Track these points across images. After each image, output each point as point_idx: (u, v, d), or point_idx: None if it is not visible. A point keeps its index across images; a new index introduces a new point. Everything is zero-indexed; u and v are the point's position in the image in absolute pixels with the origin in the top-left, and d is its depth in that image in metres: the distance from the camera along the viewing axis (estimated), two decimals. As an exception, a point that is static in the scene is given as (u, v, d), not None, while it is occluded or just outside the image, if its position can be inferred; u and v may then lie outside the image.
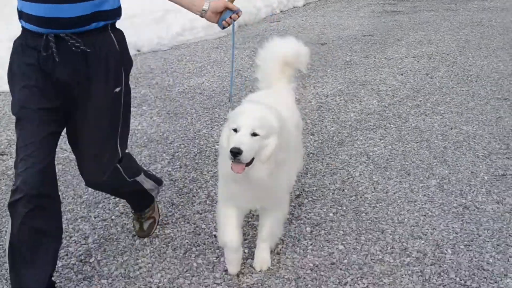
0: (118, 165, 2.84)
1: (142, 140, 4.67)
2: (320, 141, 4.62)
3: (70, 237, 3.35)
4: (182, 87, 6.03)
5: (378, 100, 5.55)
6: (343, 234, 3.32)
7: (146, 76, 6.39)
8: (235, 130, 2.58)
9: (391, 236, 3.29)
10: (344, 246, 3.21)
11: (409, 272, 2.97)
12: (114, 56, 2.60)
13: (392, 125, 4.92)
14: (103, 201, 3.71)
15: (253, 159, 2.57)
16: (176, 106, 5.45)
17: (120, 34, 2.65)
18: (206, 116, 5.20)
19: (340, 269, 3.01)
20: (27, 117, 2.48)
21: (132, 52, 7.09)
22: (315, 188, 3.86)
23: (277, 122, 2.65)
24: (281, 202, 2.95)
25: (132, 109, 5.12)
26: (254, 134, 2.56)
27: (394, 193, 3.77)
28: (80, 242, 3.30)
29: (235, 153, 2.48)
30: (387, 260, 3.07)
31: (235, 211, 2.88)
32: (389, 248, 3.18)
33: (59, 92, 2.53)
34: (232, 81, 2.93)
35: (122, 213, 3.58)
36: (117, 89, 2.64)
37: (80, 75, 2.53)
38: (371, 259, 3.08)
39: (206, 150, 4.47)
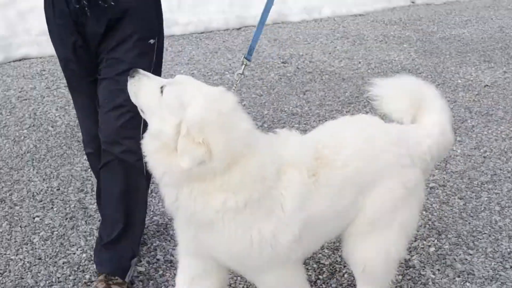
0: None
1: (396, 68, 5.60)
2: None
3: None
4: (443, 34, 6.74)
5: None
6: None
7: (414, 23, 7.22)
8: None
9: None
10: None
11: None
12: (148, 9, 2.62)
13: None
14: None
15: None
16: (433, 48, 6.23)
17: None
18: (458, 57, 5.89)
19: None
20: (71, 77, 2.70)
21: (407, 3, 7.99)
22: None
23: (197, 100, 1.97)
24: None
25: (393, 45, 6.16)
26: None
27: None
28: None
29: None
30: None
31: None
32: None
33: (92, 46, 2.57)
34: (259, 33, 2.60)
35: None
36: (152, 41, 2.64)
37: (112, 28, 2.55)
38: None
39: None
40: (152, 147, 2.01)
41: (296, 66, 5.63)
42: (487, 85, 5.22)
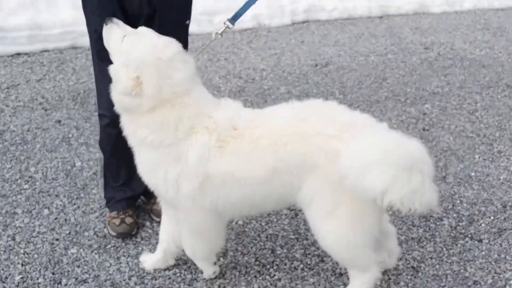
0: None
1: None
2: None
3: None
4: None
5: None
6: None
7: None
8: None
9: None
10: None
11: None
12: None
13: None
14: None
15: None
16: None
17: None
18: None
19: None
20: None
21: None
22: None
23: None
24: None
25: None
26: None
27: None
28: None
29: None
30: None
31: None
32: None
33: (131, 23, 2.64)
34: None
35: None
36: (188, 22, 2.94)
37: (150, 7, 2.79)
38: None
39: None
40: (112, 84, 2.45)
41: (438, 53, 5.94)
42: None
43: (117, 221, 3.09)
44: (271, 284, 2.78)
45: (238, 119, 2.40)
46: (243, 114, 2.46)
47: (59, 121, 4.34)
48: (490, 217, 3.30)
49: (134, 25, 2.57)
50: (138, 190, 3.17)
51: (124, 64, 2.38)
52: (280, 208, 2.92)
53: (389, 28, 6.73)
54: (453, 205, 3.41)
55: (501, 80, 5.25)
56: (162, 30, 2.54)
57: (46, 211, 3.31)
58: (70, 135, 4.14)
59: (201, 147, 2.36)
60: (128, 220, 3.10)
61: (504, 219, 3.28)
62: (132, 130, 2.47)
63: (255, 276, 2.83)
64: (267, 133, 2.35)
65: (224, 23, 2.77)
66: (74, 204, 3.35)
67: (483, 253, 3.01)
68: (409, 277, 2.83)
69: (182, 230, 2.65)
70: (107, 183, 3.20)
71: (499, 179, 3.69)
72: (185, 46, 2.72)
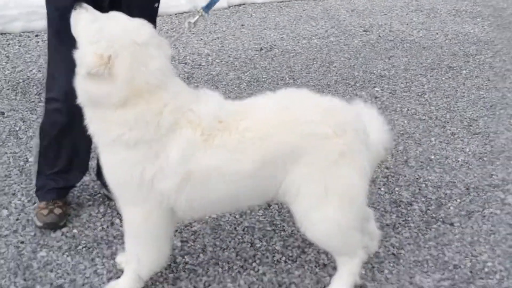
0: None
1: (472, 40, 5.95)
2: None
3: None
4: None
5: None
6: None
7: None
8: None
9: None
10: None
11: None
12: None
13: None
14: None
15: None
16: (505, 22, 6.53)
17: None
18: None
19: None
20: (66, 28, 2.36)
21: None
22: None
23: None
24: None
25: (466, 19, 6.46)
26: None
27: None
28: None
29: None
30: None
31: None
32: None
33: (97, 4, 2.45)
34: None
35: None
36: (156, 4, 2.83)
37: None
38: None
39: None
40: (77, 70, 2.19)
41: (378, 35, 6.00)
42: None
43: (45, 211, 2.91)
44: (257, 279, 2.69)
45: (221, 111, 2.28)
46: (226, 106, 2.34)
47: (2, 113, 4.02)
48: (456, 200, 3.35)
49: (99, 8, 2.38)
50: (72, 182, 3.03)
51: (92, 42, 2.14)
52: (257, 204, 2.81)
53: (325, 10, 6.73)
54: (419, 189, 3.44)
55: (442, 62, 5.38)
56: (129, 13, 2.33)
57: (5, 212, 3.05)
58: (17, 128, 3.85)
59: (185, 142, 2.21)
60: (57, 210, 2.93)
61: (470, 201, 3.35)
62: (103, 128, 2.25)
63: (239, 272, 2.73)
64: (253, 124, 2.26)
65: (198, 11, 2.63)
66: (34, 202, 3.08)
67: (457, 236, 3.05)
68: (391, 264, 2.82)
69: (132, 237, 2.45)
70: (41, 171, 2.98)
71: (458, 161, 3.77)
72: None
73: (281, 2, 7.01)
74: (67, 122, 2.62)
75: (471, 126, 4.22)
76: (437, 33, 6.12)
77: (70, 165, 2.93)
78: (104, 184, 2.88)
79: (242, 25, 6.11)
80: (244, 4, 6.79)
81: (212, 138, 2.22)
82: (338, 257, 2.56)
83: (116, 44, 2.12)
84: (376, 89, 4.78)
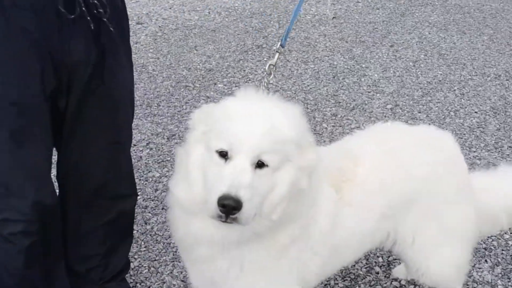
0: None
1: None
2: None
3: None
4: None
5: None
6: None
7: None
8: (223, 155, 1.62)
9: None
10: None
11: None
12: (126, 18, 2.15)
13: None
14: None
15: None
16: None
17: None
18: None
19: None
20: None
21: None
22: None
23: (297, 130, 1.71)
24: None
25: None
26: (260, 165, 1.61)
27: None
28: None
29: (231, 208, 1.51)
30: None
31: None
32: None
33: (62, 75, 1.99)
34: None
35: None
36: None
37: (92, 51, 2.01)
38: None
39: None
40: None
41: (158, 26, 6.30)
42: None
43: None
44: None
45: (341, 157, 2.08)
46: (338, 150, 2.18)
47: None
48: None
49: (71, 80, 2.02)
50: None
51: None
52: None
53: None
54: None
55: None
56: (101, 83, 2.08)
57: None
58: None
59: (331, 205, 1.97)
60: None
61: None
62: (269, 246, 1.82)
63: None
64: (369, 173, 2.05)
65: (277, 51, 2.14)
66: None
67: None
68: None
69: None
70: None
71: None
72: (133, 106, 2.34)
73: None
74: (37, 246, 2.10)
75: None
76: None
77: None
78: None
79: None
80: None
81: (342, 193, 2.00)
82: None
83: None
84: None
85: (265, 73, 2.06)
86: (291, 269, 1.89)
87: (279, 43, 2.14)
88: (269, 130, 1.61)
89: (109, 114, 2.16)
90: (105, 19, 1.97)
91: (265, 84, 1.99)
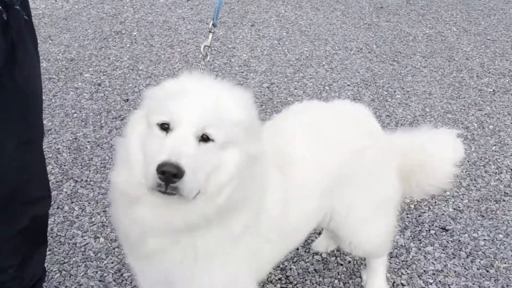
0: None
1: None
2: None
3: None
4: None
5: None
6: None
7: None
8: (164, 128, 1.53)
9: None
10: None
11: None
12: (28, 5, 1.94)
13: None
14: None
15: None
16: None
17: None
18: None
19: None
20: None
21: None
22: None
23: (246, 114, 1.63)
24: None
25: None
26: (205, 139, 1.53)
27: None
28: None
29: (171, 175, 1.41)
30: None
31: None
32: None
33: None
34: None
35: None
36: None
37: (2, 44, 1.77)
38: None
39: None
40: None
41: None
42: None
43: None
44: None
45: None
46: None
47: None
48: None
49: None
50: None
51: None
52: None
53: None
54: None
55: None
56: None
57: None
58: None
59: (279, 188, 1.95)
60: None
61: None
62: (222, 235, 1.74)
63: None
64: (304, 153, 2.09)
65: (210, 31, 2.11)
66: None
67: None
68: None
69: None
70: None
71: None
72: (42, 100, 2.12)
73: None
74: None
75: None
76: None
77: None
78: None
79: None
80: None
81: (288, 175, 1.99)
82: (375, 259, 2.64)
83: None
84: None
85: (200, 55, 1.97)
86: (245, 257, 1.83)
87: (211, 23, 2.10)
88: (215, 105, 1.58)
89: (20, 112, 1.95)
90: (17, 7, 1.77)
91: (202, 67, 1.92)
